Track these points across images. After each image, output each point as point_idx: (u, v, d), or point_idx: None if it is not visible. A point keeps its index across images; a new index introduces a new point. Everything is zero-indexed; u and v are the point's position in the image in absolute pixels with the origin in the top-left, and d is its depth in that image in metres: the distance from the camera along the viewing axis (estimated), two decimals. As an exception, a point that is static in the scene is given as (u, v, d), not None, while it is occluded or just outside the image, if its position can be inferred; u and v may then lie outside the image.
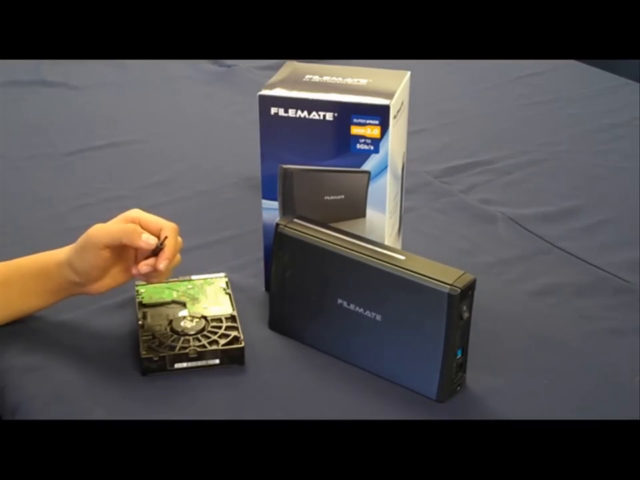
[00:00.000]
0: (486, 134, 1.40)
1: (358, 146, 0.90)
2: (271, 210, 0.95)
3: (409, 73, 0.96)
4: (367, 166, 0.91)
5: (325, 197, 0.94)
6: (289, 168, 0.93)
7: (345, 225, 0.92)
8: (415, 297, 0.83)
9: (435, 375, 0.84)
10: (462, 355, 0.85)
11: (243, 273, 1.03)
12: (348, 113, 0.89)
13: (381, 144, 0.89)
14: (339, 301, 0.88)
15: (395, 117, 0.90)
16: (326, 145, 0.91)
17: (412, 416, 0.84)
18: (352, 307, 0.87)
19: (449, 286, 0.81)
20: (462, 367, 0.86)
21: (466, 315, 0.82)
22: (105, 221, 0.99)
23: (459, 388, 0.87)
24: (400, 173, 0.97)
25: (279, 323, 0.94)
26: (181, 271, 0.95)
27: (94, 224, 1.03)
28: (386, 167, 0.90)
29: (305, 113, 0.90)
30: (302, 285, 0.91)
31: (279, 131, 0.91)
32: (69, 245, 0.97)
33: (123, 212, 1.04)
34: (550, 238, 1.11)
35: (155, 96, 1.54)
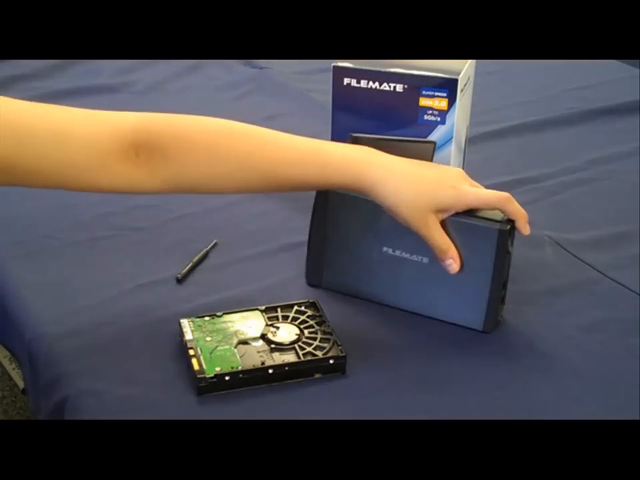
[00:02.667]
0: (531, 149, 1.35)
1: (425, 117, 0.95)
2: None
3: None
4: (432, 136, 0.95)
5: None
6: (358, 136, 0.97)
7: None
8: (464, 236, 0.88)
9: (482, 308, 0.90)
10: (504, 288, 0.91)
11: (287, 285, 1.00)
12: (418, 84, 0.94)
13: (448, 116, 0.94)
14: (384, 248, 0.92)
15: (462, 91, 0.94)
16: (395, 115, 0.96)
17: (462, 347, 0.89)
18: (397, 253, 0.92)
19: (498, 223, 0.87)
20: (503, 299, 0.92)
21: (511, 249, 0.89)
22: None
23: (500, 319, 0.93)
24: (463, 144, 1.01)
25: (316, 276, 0.98)
26: (219, 285, 0.98)
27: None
28: (451, 138, 0.95)
29: (377, 84, 0.95)
30: (345, 236, 0.95)
31: (350, 100, 0.96)
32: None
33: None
34: (601, 266, 1.04)
35: (181, 98, 1.47)
